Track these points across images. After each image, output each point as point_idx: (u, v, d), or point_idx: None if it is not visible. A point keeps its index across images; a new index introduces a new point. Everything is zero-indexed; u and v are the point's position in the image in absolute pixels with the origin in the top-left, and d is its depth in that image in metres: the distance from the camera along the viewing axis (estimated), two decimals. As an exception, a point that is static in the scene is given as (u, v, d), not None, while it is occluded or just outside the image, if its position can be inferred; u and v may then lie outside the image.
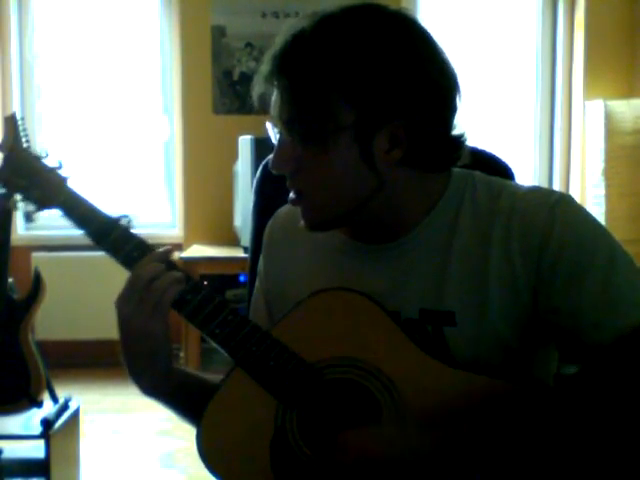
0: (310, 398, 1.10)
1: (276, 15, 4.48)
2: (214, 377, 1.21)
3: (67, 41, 4.66)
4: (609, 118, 4.41)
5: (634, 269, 1.07)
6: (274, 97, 1.09)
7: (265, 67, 1.08)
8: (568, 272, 1.05)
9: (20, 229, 4.43)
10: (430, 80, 1.06)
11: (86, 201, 1.20)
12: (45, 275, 2.83)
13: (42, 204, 1.22)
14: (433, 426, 1.04)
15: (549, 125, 4.84)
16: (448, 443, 1.03)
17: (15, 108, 4.49)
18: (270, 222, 1.30)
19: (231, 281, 4.06)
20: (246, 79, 4.49)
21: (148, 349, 1.13)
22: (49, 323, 4.03)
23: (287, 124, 1.07)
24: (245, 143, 3.87)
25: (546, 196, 1.10)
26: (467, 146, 1.14)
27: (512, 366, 1.10)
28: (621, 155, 4.42)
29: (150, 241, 1.18)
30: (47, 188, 1.22)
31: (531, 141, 4.87)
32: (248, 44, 4.51)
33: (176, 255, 4.14)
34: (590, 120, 4.57)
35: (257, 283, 1.31)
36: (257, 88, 1.10)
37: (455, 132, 1.11)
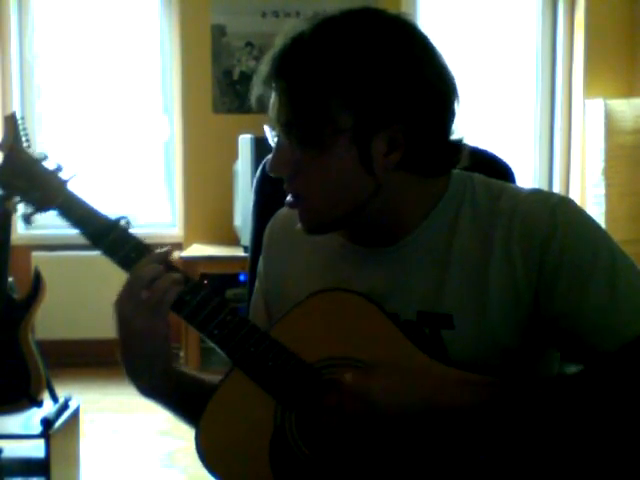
0: (309, 398, 1.10)
1: (276, 14, 4.48)
2: (213, 377, 1.22)
3: (67, 41, 4.66)
4: (609, 117, 4.41)
5: (635, 272, 1.07)
6: (272, 100, 1.09)
7: (264, 69, 1.08)
8: (571, 275, 1.05)
9: (20, 229, 4.43)
10: (428, 84, 1.06)
11: (84, 202, 1.20)
12: (45, 275, 2.83)
13: (40, 206, 1.22)
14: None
15: (549, 125, 4.84)
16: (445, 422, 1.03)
17: (15, 108, 4.49)
18: (270, 223, 1.30)
19: (231, 280, 4.06)
20: (246, 78, 4.48)
21: (148, 350, 1.13)
22: (49, 323, 4.03)
23: (285, 127, 1.08)
24: (245, 142, 3.87)
25: (547, 198, 1.10)
26: (467, 147, 1.14)
27: (512, 368, 1.10)
28: (621, 155, 4.41)
29: (150, 241, 1.18)
30: (46, 189, 1.21)
31: (531, 141, 4.87)
32: (248, 43, 4.51)
33: (176, 255, 4.14)
34: (590, 119, 4.56)
35: (257, 283, 1.31)
36: (256, 90, 1.10)
37: (454, 137, 1.12)
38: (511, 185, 1.19)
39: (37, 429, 2.62)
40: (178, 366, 1.24)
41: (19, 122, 1.27)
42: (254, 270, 1.35)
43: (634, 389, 1.01)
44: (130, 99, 4.70)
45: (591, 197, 4.50)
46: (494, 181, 1.17)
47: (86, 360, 4.39)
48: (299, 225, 1.14)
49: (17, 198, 1.23)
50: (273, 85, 1.08)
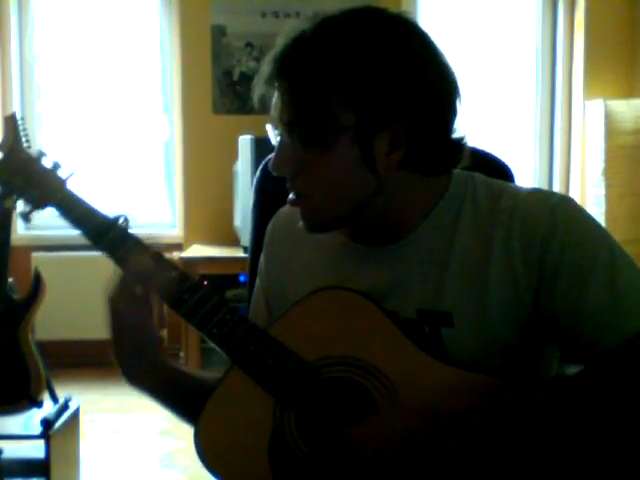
0: (308, 397, 1.10)
1: (276, 15, 4.48)
2: (210, 375, 1.22)
3: (67, 41, 4.66)
4: (609, 118, 4.41)
5: (635, 271, 1.07)
6: (275, 99, 1.09)
7: (266, 69, 1.08)
8: (571, 274, 1.05)
9: (20, 229, 4.43)
10: (430, 83, 1.07)
11: (83, 202, 1.21)
12: (45, 275, 2.83)
13: (39, 203, 1.22)
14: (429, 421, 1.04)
15: (549, 125, 4.84)
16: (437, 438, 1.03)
17: (15, 108, 4.49)
18: (272, 221, 1.31)
19: (231, 281, 4.06)
20: (246, 79, 4.49)
21: (137, 341, 1.14)
22: (49, 323, 4.03)
23: (287, 126, 1.08)
24: (245, 143, 3.87)
25: (547, 197, 1.10)
26: (467, 147, 1.14)
27: (511, 366, 1.10)
28: (621, 155, 4.41)
29: (150, 241, 1.19)
30: (44, 187, 1.22)
31: (531, 141, 4.87)
32: (248, 44, 4.51)
33: (176, 255, 4.14)
34: (590, 120, 4.57)
35: (257, 282, 1.31)
36: (257, 90, 1.11)
37: (455, 135, 1.12)
38: (512, 185, 1.20)
39: (37, 429, 2.62)
40: (178, 365, 1.24)
41: (19, 122, 1.28)
42: (254, 270, 1.35)
43: (635, 386, 1.01)
44: (130, 99, 4.70)
45: (591, 197, 4.50)
46: (495, 181, 1.17)
47: (86, 360, 4.39)
48: (301, 223, 1.14)
49: (16, 196, 1.23)
50: (275, 85, 1.08)
